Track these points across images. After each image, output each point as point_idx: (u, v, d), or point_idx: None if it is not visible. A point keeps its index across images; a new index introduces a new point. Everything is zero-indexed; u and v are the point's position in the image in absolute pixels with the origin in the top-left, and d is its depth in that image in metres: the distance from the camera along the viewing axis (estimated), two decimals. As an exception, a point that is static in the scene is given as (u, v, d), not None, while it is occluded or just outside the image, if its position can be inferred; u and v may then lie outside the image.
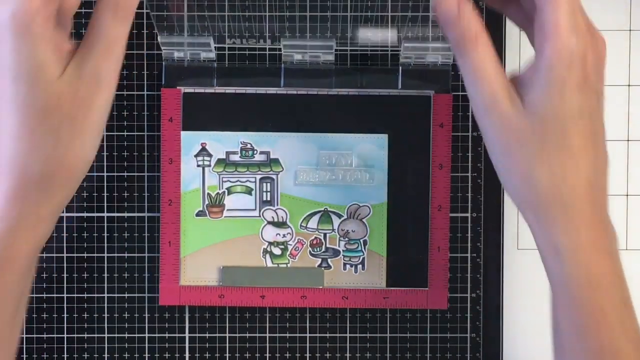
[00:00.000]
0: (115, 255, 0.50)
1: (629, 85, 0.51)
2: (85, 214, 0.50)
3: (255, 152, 0.49)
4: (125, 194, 0.50)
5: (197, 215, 0.49)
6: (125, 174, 0.50)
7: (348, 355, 0.51)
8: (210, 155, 0.49)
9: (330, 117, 0.49)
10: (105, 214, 0.50)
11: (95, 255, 0.50)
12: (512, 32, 0.51)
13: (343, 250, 0.50)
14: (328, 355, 0.51)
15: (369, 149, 0.49)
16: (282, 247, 0.50)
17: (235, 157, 0.49)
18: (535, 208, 0.37)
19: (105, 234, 0.50)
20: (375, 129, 0.49)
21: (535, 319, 0.51)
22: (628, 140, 0.51)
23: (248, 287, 0.50)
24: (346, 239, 0.50)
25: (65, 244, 0.50)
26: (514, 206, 0.51)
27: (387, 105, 0.49)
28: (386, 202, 0.49)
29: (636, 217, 0.51)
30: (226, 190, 0.49)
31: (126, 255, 0.50)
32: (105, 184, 0.50)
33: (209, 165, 0.49)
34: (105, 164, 0.50)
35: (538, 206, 0.37)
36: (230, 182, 0.49)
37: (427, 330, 0.51)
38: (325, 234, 0.50)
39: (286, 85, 0.49)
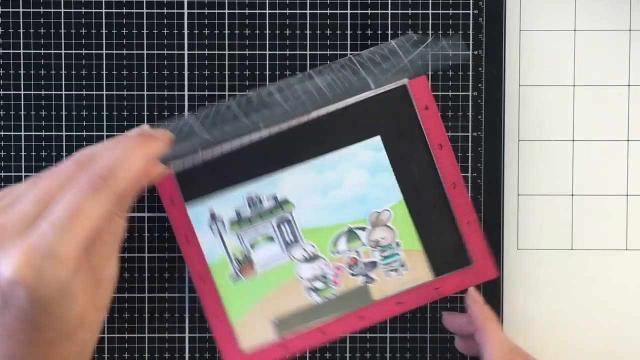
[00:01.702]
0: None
1: (629, 85, 0.51)
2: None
3: (262, 200, 0.49)
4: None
5: (232, 280, 0.49)
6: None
7: (348, 355, 0.51)
8: (222, 220, 0.49)
9: (320, 140, 0.49)
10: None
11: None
12: (512, 31, 0.51)
13: (380, 260, 0.49)
14: (328, 355, 0.51)
15: (368, 155, 0.49)
16: (323, 278, 0.49)
17: (246, 212, 0.49)
18: None
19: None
20: (365, 134, 0.49)
21: (535, 319, 0.51)
22: (628, 141, 0.51)
23: (307, 329, 0.49)
24: (379, 248, 0.49)
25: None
26: (514, 206, 0.51)
27: (369, 108, 0.49)
28: (403, 199, 0.49)
29: (636, 217, 0.51)
30: (250, 247, 0.49)
31: (125, 255, 0.50)
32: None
33: (225, 229, 0.49)
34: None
35: None
36: (250, 237, 0.49)
37: (427, 330, 0.51)
38: (357, 251, 0.49)
39: (267, 127, 0.48)
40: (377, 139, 0.49)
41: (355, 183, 0.49)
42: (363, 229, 0.49)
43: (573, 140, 0.51)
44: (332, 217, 0.49)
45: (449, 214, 0.49)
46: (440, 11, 0.50)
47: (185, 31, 0.50)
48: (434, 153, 0.49)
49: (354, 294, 0.49)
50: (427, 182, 0.49)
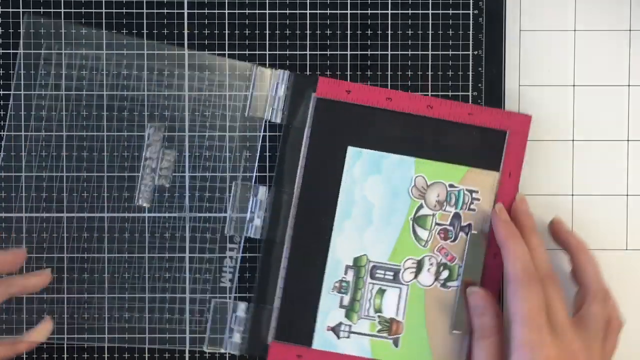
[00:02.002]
0: (115, 255, 0.50)
1: (629, 86, 0.51)
2: (85, 214, 0.50)
3: (344, 279, 0.50)
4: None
5: (398, 345, 0.49)
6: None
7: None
8: (341, 323, 0.49)
9: (322, 198, 0.50)
10: (106, 214, 0.50)
11: (96, 255, 0.50)
12: (512, 31, 0.51)
13: (456, 209, 0.50)
14: (328, 355, 0.51)
15: (359, 166, 0.50)
16: (442, 267, 0.50)
17: (347, 298, 0.50)
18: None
19: (106, 235, 0.50)
20: (340, 157, 0.50)
21: (535, 319, 0.51)
22: (628, 141, 0.51)
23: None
24: (445, 203, 0.50)
25: (65, 244, 0.50)
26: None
27: (319, 139, 0.50)
28: (415, 158, 0.49)
29: (636, 217, 0.51)
30: (378, 313, 0.50)
31: (126, 255, 0.50)
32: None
33: (350, 325, 0.49)
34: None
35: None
36: (369, 308, 0.50)
37: (427, 330, 0.51)
38: (436, 224, 0.50)
39: (283, 240, 0.50)
40: (351, 149, 0.50)
41: (377, 191, 0.50)
42: (420, 207, 0.50)
43: (573, 140, 0.51)
44: (394, 229, 0.50)
45: (453, 126, 0.49)
46: (440, 11, 0.50)
47: (186, 31, 0.50)
48: (387, 106, 0.49)
49: (471, 248, 0.49)
50: (411, 129, 0.49)
